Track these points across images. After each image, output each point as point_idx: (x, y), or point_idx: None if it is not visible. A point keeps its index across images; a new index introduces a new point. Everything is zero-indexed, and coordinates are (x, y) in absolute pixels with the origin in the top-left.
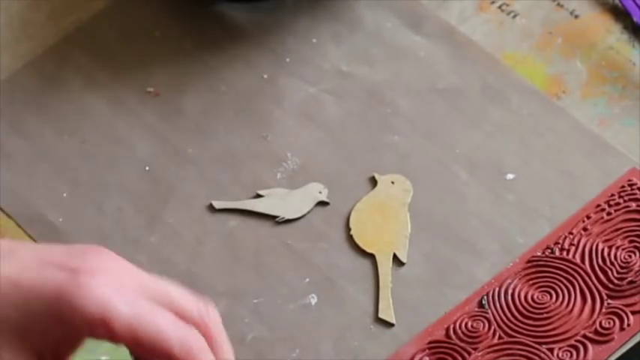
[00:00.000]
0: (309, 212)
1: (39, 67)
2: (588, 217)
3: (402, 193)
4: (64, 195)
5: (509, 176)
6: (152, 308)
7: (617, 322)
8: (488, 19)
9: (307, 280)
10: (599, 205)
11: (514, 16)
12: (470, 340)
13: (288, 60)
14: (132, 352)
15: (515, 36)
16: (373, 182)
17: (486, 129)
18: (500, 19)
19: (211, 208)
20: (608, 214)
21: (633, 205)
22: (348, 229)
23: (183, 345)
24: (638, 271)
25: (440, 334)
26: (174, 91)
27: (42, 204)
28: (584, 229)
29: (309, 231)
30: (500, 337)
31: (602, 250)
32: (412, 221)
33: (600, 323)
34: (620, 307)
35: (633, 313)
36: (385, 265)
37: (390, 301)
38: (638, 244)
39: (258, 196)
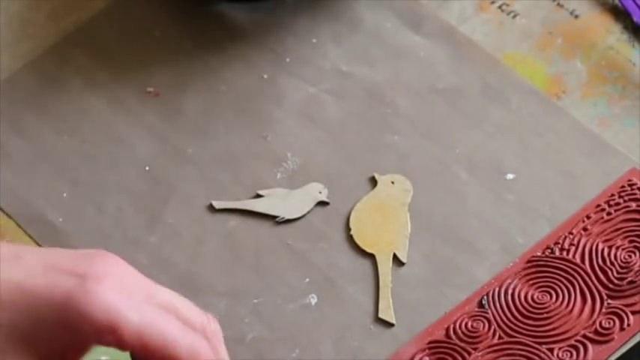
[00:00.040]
0: (309, 212)
1: (39, 67)
2: (588, 217)
3: (402, 193)
4: (64, 195)
5: (509, 176)
6: (160, 315)
7: (617, 322)
8: (488, 19)
9: (307, 280)
10: (599, 205)
11: (514, 16)
12: (470, 340)
13: (288, 60)
14: (133, 356)
15: (515, 36)
16: (373, 182)
17: (486, 129)
18: (500, 19)
19: (211, 208)
20: (608, 214)
21: (633, 205)
22: (348, 229)
23: (191, 352)
24: (638, 271)
25: (440, 334)
26: (174, 91)
27: (42, 204)
28: (584, 229)
29: (309, 231)
30: (500, 337)
31: (602, 250)
32: (412, 221)
33: (600, 323)
34: (620, 307)
35: (633, 313)
36: (385, 265)
37: (390, 301)
38: (638, 244)
39: (258, 196)
